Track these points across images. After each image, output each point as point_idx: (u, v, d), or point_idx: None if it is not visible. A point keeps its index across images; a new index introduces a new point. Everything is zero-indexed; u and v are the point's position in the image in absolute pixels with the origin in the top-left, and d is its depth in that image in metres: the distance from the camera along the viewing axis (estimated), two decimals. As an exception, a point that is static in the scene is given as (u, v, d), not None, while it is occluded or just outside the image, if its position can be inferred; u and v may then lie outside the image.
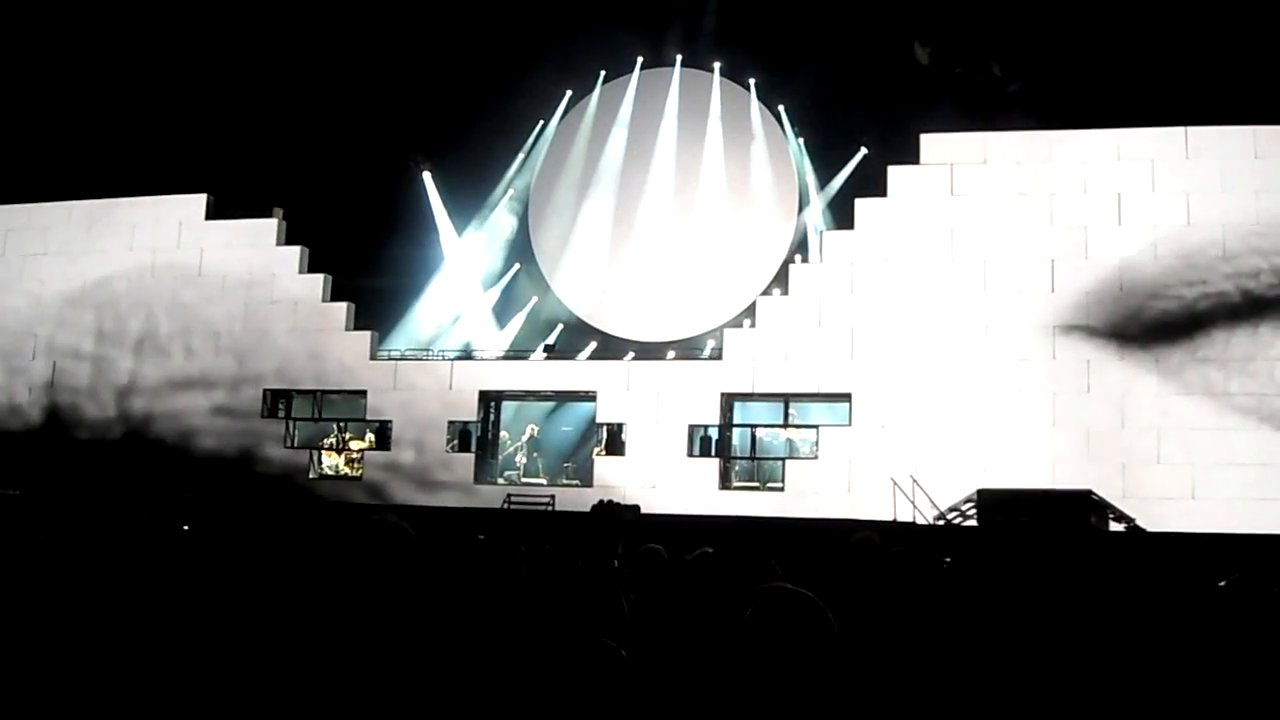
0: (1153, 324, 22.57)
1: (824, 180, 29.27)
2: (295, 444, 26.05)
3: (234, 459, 25.87)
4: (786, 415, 24.47)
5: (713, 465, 24.05)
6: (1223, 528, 19.77)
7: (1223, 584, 6.70)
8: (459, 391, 25.27)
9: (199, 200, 27.23)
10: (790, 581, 3.96)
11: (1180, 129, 23.25)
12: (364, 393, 25.65)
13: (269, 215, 26.89)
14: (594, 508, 6.52)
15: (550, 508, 23.11)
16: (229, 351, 26.45)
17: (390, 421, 25.39)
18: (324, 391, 26.14)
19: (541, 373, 25.98)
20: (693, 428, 24.20)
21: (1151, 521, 20.90)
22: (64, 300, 27.50)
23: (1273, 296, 22.23)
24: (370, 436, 25.75)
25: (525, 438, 26.43)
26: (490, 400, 25.78)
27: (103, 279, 27.33)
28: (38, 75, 27.17)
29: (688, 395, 24.25)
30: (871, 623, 4.98)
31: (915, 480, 22.28)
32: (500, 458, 26.09)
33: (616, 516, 6.49)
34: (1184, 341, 22.42)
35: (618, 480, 23.45)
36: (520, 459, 26.15)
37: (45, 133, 27.02)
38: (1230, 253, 22.49)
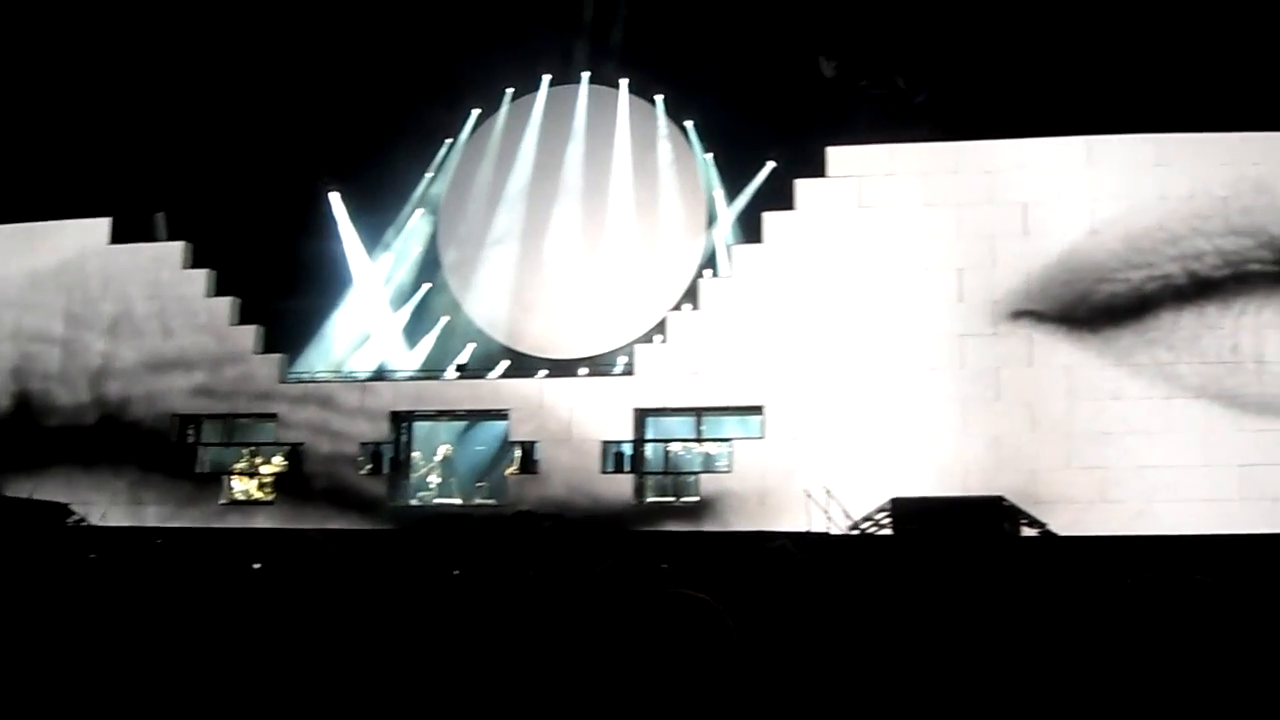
0: (1077, 320, 22.83)
1: (732, 195, 29.33)
2: (207, 469, 25.72)
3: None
4: (699, 429, 24.50)
5: (627, 481, 24.03)
6: (1134, 529, 20.08)
7: (1129, 581, 6.76)
8: (370, 412, 25.09)
9: (102, 225, 26.80)
10: (700, 591, 3.95)
11: (1084, 138, 23.54)
12: (274, 416, 25.40)
13: (169, 238, 26.59)
14: (512, 516, 6.51)
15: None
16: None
17: (302, 444, 25.14)
18: (234, 415, 25.84)
19: (453, 392, 25.84)
20: (606, 444, 24.16)
21: (1064, 526, 21.16)
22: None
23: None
24: (281, 460, 25.49)
25: (438, 458, 26.25)
26: (402, 421, 25.60)
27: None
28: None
29: (600, 412, 24.22)
30: (785, 628, 4.98)
31: (829, 491, 22.36)
32: (413, 478, 25.88)
33: (534, 527, 6.48)
34: (1095, 341, 22.67)
35: (532, 499, 23.40)
36: (434, 479, 25.97)
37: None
38: (1130, 258, 22.82)
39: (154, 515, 24.72)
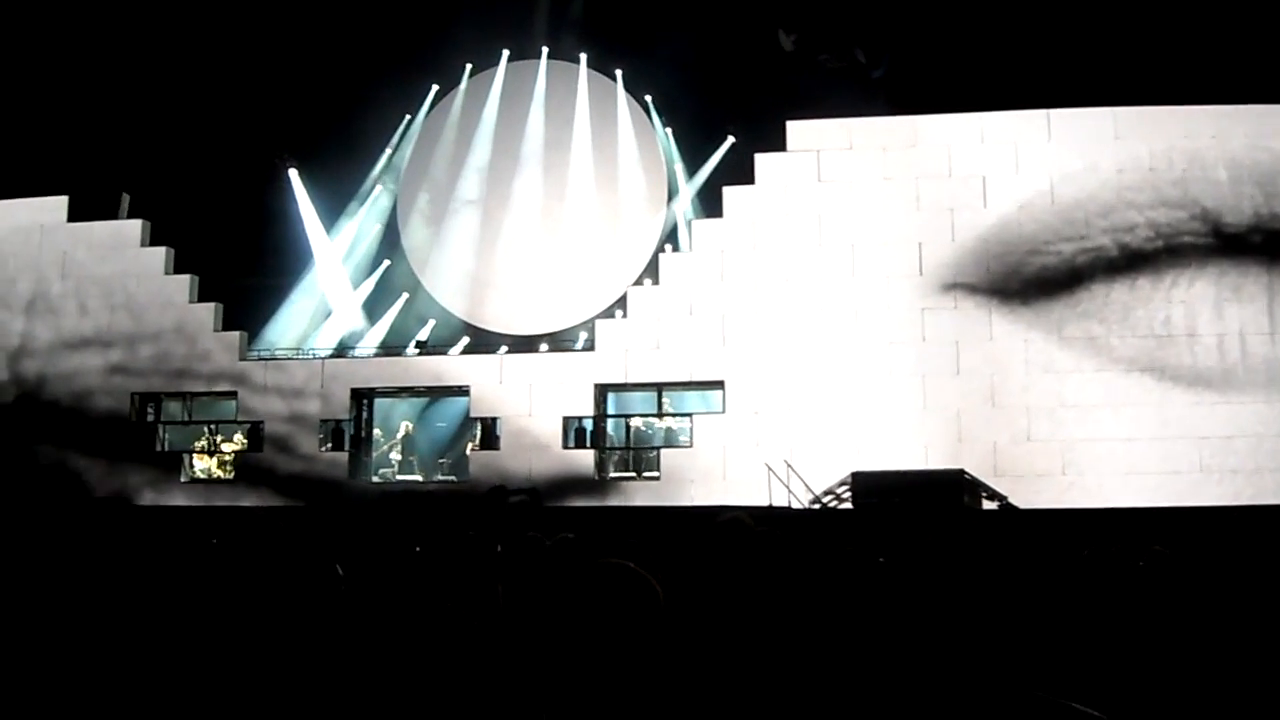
0: (1029, 290, 22.94)
1: (692, 169, 29.32)
2: (167, 448, 25.60)
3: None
4: (660, 404, 24.51)
5: (588, 457, 24.04)
6: (1094, 502, 20.23)
7: (1086, 553, 6.80)
8: (331, 390, 25.03)
9: (59, 202, 26.60)
10: (661, 564, 3.96)
11: (1042, 111, 23.64)
12: (234, 394, 25.29)
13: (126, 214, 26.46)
14: (487, 492, 6.52)
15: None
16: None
17: (262, 422, 25.05)
18: (194, 394, 25.71)
19: (414, 369, 25.77)
20: (567, 420, 24.17)
21: (1023, 499, 21.30)
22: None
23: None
24: (241, 438, 25.40)
25: (399, 435, 26.19)
26: (363, 398, 25.55)
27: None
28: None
29: (561, 387, 24.22)
30: (737, 601, 4.98)
31: (790, 465, 22.42)
32: (375, 455, 25.82)
33: (500, 503, 6.49)
34: (1051, 314, 22.79)
35: (494, 475, 23.35)
36: (395, 456, 25.90)
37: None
38: (1092, 227, 22.95)
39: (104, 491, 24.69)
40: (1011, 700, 3.21)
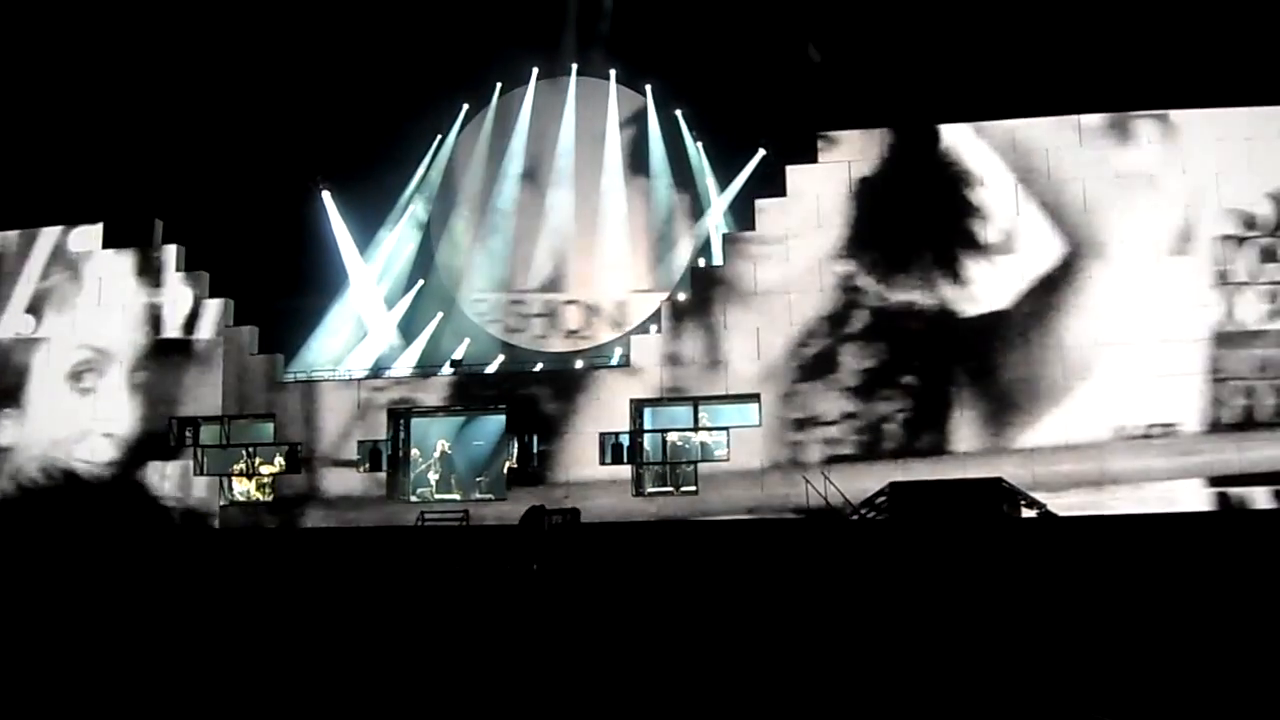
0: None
1: (724, 182, 29.30)
2: (205, 471, 25.69)
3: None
4: (696, 419, 24.46)
5: (625, 472, 24.03)
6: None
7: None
8: (368, 410, 25.11)
9: (94, 231, 26.80)
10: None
11: (1076, 118, 23.61)
12: (272, 416, 25.40)
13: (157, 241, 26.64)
14: (526, 512, 6.59)
15: (464, 523, 23.00)
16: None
17: (300, 444, 25.14)
18: (231, 417, 25.80)
19: (450, 388, 25.79)
20: (604, 436, 24.15)
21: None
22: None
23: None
24: (280, 460, 25.48)
25: (436, 454, 26.22)
26: (400, 418, 25.60)
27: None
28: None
29: (597, 404, 24.23)
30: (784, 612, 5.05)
31: (827, 476, 22.38)
32: (413, 475, 25.86)
33: (538, 524, 6.56)
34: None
35: (531, 493, 23.34)
36: (433, 475, 25.94)
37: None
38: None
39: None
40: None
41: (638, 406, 24.43)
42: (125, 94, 26.72)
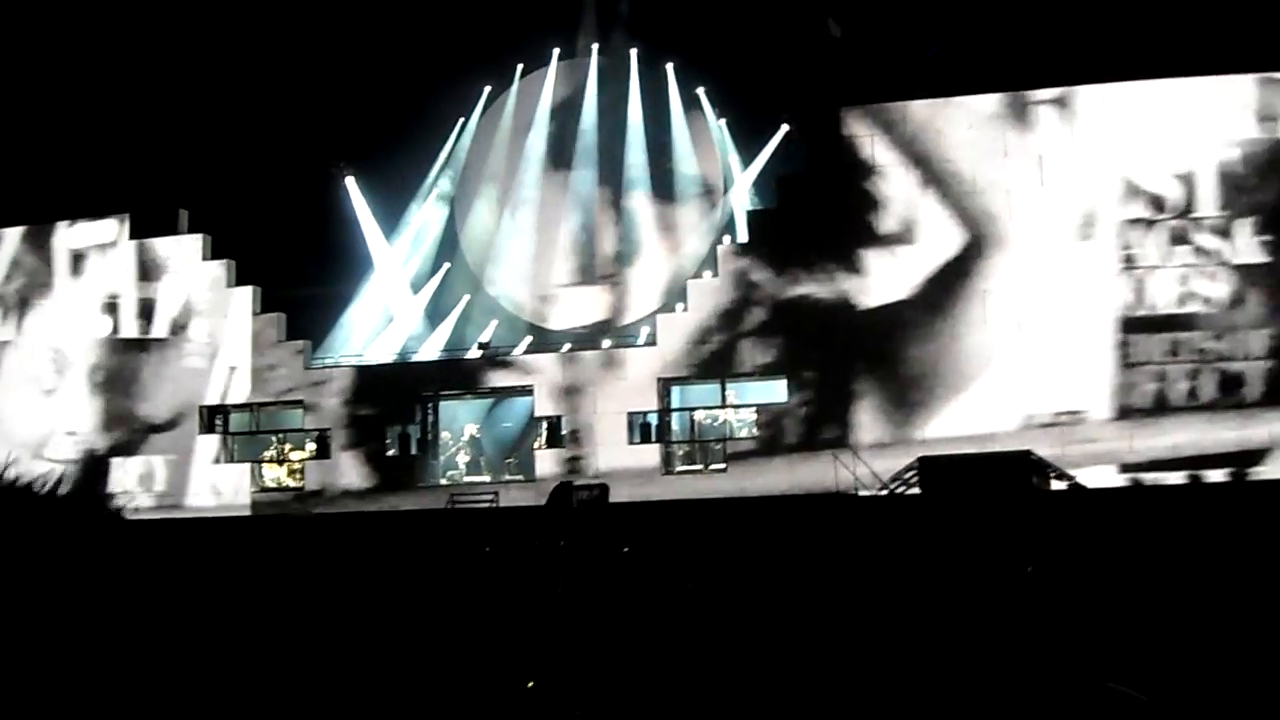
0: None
1: (747, 159, 29.23)
2: (235, 458, 25.83)
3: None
4: (724, 396, 24.44)
5: (654, 451, 24.06)
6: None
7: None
8: (397, 395, 25.20)
9: (121, 221, 26.94)
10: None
11: (1089, 87, 23.44)
12: (301, 402, 25.50)
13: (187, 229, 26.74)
14: (554, 489, 6.59)
15: (494, 504, 23.03)
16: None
17: (329, 430, 25.23)
18: (261, 404, 25.91)
19: (478, 370, 25.84)
20: (632, 415, 24.18)
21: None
22: None
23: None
24: (311, 446, 25.58)
25: (465, 437, 26.29)
26: (428, 401, 25.69)
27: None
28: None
29: (625, 383, 24.24)
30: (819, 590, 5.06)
31: (855, 452, 22.38)
32: (442, 458, 25.95)
33: (565, 501, 6.56)
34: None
35: (560, 473, 23.39)
36: (462, 458, 26.02)
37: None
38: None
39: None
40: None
41: (665, 385, 24.42)
42: (147, 85, 26.77)
